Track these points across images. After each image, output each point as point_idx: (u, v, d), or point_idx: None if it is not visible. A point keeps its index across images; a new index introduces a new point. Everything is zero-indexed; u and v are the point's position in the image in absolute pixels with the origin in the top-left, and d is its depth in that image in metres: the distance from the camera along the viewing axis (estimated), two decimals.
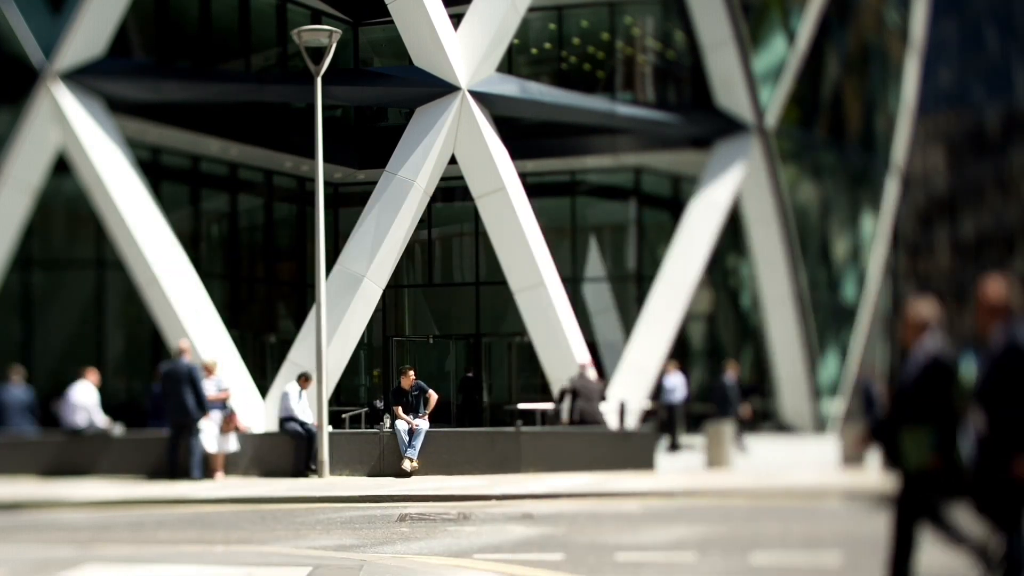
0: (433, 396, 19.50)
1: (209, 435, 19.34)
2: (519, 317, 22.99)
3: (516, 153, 23.18)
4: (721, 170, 26.53)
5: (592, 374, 21.69)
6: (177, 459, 19.13)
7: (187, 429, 19.14)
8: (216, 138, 24.33)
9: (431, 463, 19.11)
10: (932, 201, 72.45)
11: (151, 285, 21.91)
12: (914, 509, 7.84)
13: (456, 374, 25.81)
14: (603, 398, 21.58)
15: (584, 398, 21.07)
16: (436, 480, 18.43)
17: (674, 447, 23.96)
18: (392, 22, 22.20)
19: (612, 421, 22.62)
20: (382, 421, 19.78)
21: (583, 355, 22.62)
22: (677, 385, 24.58)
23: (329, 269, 20.81)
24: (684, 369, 25.68)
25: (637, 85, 28.54)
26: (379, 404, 22.86)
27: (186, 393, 19.10)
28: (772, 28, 29.35)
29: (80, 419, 19.73)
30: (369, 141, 25.19)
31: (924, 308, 8.11)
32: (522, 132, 24.69)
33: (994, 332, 7.38)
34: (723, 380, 24.69)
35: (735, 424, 22.65)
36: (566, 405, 21.22)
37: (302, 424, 19.54)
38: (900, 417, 8.19)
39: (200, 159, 25.21)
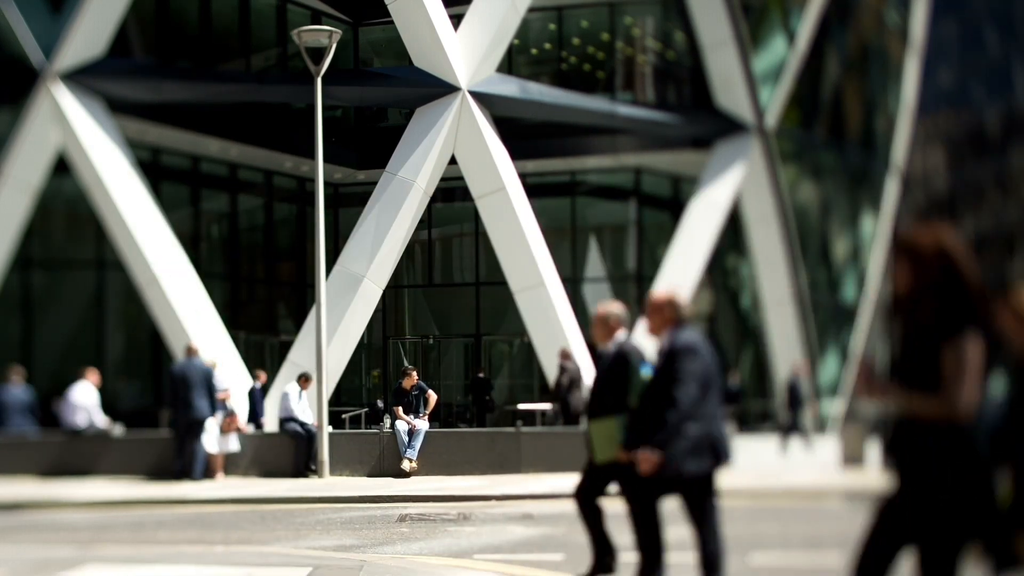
0: (432, 396, 19.50)
1: (210, 435, 19.33)
2: (519, 317, 22.98)
3: (516, 153, 23.18)
4: (721, 170, 26.52)
5: (574, 364, 21.65)
6: (184, 460, 19.10)
7: (196, 430, 19.09)
8: (216, 138, 24.33)
9: (431, 463, 19.10)
10: (932, 201, 72.44)
11: (151, 285, 21.91)
12: (642, 497, 8.04)
13: (454, 375, 25.81)
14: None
15: (577, 388, 21.06)
16: (436, 480, 18.42)
17: None
18: (392, 22, 22.21)
19: None
20: (382, 421, 19.78)
21: (565, 343, 22.50)
22: None
23: (329, 269, 20.81)
24: None
25: (637, 85, 28.54)
26: (380, 404, 22.88)
27: (200, 394, 19.05)
28: (772, 28, 29.34)
29: (80, 419, 19.73)
30: (369, 141, 25.19)
31: (614, 308, 9.05)
32: (522, 132, 24.69)
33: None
34: (794, 379, 24.79)
35: (794, 422, 22.85)
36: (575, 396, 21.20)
37: (302, 424, 19.53)
38: (590, 410, 8.97)
39: (200, 159, 25.22)
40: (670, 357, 7.77)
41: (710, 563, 8.02)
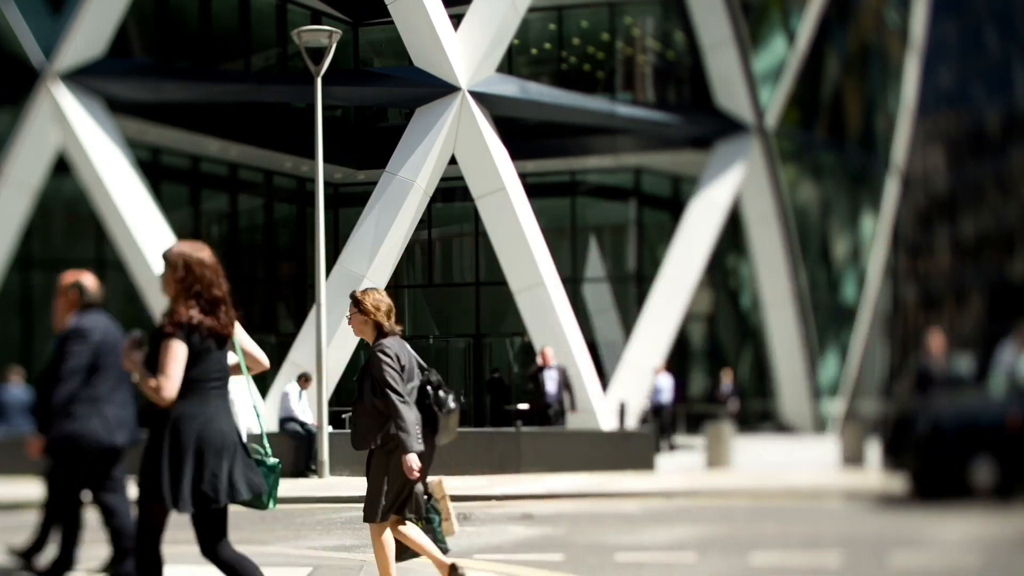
0: None
1: None
2: (519, 317, 22.98)
3: (516, 153, 23.17)
4: (721, 170, 26.52)
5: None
6: None
7: None
8: (216, 138, 24.33)
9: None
10: (932, 201, 72.42)
11: (151, 285, 21.91)
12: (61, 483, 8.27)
13: (454, 375, 25.78)
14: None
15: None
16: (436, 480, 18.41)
17: (668, 447, 23.94)
18: (392, 22, 22.20)
19: (612, 421, 22.66)
20: None
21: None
22: (665, 386, 24.65)
23: (329, 269, 20.82)
24: (672, 370, 25.66)
25: (637, 85, 28.55)
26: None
27: None
28: (772, 28, 29.35)
29: None
30: (369, 141, 25.18)
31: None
32: (522, 132, 24.68)
33: None
34: (927, 364, 24.34)
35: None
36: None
37: (302, 424, 19.54)
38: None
39: (200, 159, 25.21)
40: (63, 341, 8.09)
41: (118, 537, 8.18)
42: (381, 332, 7.92)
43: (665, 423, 24.27)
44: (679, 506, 15.60)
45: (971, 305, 68.35)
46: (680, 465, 20.81)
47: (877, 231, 34.56)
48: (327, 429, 19.13)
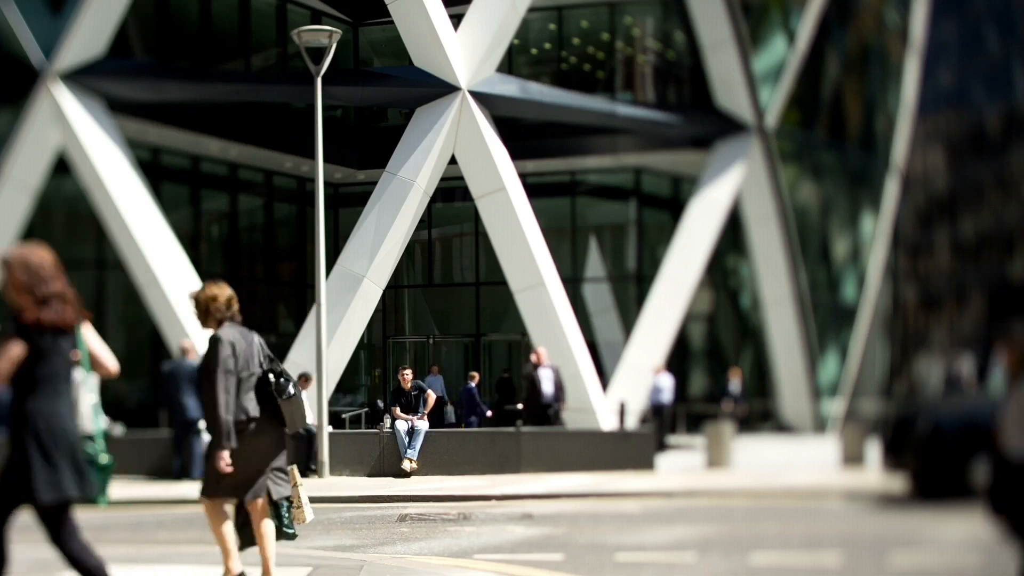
0: (432, 396, 19.53)
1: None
2: (519, 317, 22.98)
3: (516, 153, 23.17)
4: (721, 170, 26.52)
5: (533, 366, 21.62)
6: (183, 459, 19.14)
7: (189, 429, 19.15)
8: (216, 138, 24.32)
9: (431, 463, 19.11)
10: (932, 201, 72.42)
11: (151, 285, 21.91)
12: None
13: (454, 375, 25.77)
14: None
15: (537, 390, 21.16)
16: (436, 480, 18.44)
17: (662, 447, 23.94)
18: (392, 22, 22.20)
19: (612, 421, 22.65)
20: (382, 421, 19.80)
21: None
22: (666, 386, 24.64)
23: (329, 269, 20.82)
24: (672, 370, 25.67)
25: (637, 85, 28.54)
26: (380, 404, 22.89)
27: (189, 393, 19.13)
28: (772, 28, 29.35)
29: None
30: (369, 141, 25.18)
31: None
32: (522, 132, 24.68)
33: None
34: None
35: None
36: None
37: None
38: None
39: (200, 159, 25.21)
40: None
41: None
42: (222, 323, 8.36)
43: (664, 423, 24.28)
44: (679, 506, 15.60)
45: (971, 305, 68.34)
46: (680, 465, 20.81)
47: (877, 231, 34.56)
48: (327, 429, 19.14)
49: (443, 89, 22.09)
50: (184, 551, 11.49)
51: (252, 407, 8.33)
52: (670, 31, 28.28)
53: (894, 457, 15.17)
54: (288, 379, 8.50)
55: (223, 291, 8.46)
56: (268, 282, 27.06)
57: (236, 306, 8.49)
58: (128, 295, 23.13)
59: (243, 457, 8.22)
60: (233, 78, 24.66)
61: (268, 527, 8.49)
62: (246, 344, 8.38)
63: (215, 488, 8.39)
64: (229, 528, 8.50)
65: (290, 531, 8.66)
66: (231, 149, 24.81)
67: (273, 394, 8.38)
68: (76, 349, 6.61)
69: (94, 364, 6.75)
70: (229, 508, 8.67)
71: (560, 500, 16.22)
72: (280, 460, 8.50)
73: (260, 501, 8.43)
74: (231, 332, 8.35)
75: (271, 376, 8.44)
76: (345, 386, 23.24)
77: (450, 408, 22.78)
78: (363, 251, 21.69)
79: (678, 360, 27.00)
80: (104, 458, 6.91)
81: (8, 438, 6.38)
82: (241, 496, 8.41)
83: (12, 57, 21.83)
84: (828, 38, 30.99)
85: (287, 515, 8.64)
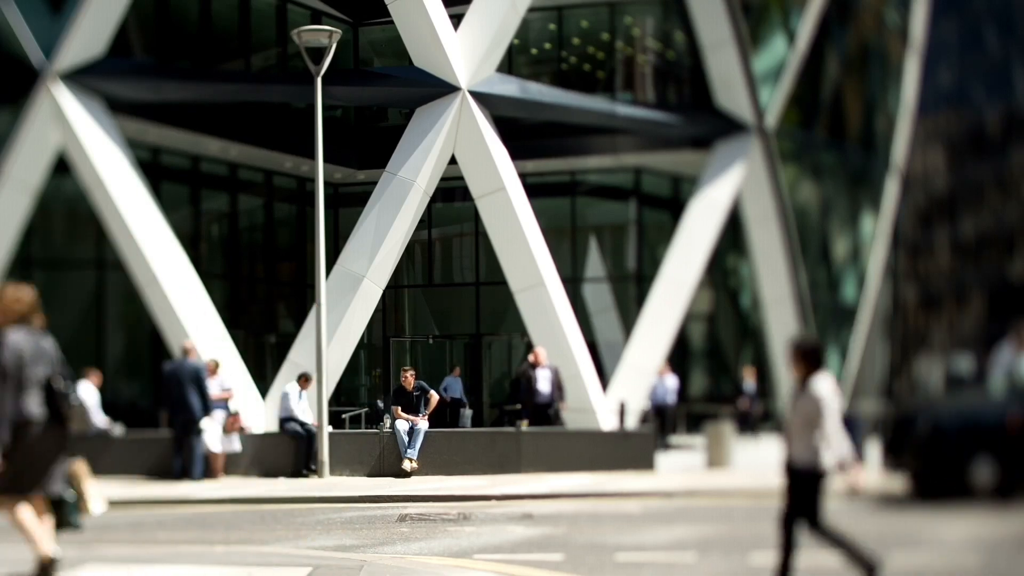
0: (434, 396, 19.54)
1: (212, 435, 19.36)
2: (519, 317, 22.99)
3: (516, 153, 23.17)
4: (721, 170, 26.51)
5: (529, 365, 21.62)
6: (183, 459, 19.15)
7: (190, 429, 19.15)
8: (216, 138, 24.32)
9: (431, 463, 19.11)
10: (932, 201, 72.41)
11: (151, 285, 21.91)
12: None
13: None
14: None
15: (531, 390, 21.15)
16: (436, 480, 18.44)
17: (665, 447, 23.95)
18: (392, 22, 22.21)
19: (612, 421, 22.65)
20: (382, 421, 19.81)
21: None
22: (671, 387, 24.62)
23: (329, 269, 20.83)
24: (672, 370, 25.66)
25: (637, 85, 28.53)
26: (380, 404, 22.90)
27: (191, 393, 19.13)
28: (772, 28, 29.33)
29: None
30: (369, 141, 25.19)
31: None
32: (522, 132, 24.67)
33: None
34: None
35: None
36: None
37: (302, 424, 19.55)
38: None
39: (200, 159, 25.21)
40: None
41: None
42: (15, 325, 8.74)
43: (667, 423, 24.28)
44: (679, 506, 15.61)
45: (971, 305, 68.34)
46: (680, 465, 20.81)
47: (877, 231, 34.56)
48: (327, 429, 19.14)
49: (443, 89, 22.09)
50: (184, 551, 11.49)
51: (36, 408, 8.70)
52: (670, 31, 28.27)
53: (894, 457, 15.17)
54: (68, 384, 8.94)
55: (27, 295, 8.85)
56: (268, 282, 27.06)
57: (37, 311, 8.86)
58: (128, 295, 23.13)
59: (24, 455, 8.66)
60: (233, 78, 24.66)
61: (46, 521, 9.01)
62: (34, 347, 8.71)
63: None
64: (30, 515, 8.84)
65: (76, 524, 9.76)
66: (231, 149, 24.81)
67: (54, 396, 8.78)
68: None
69: None
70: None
71: (560, 500, 16.23)
72: (62, 459, 9.03)
73: (39, 497, 8.90)
74: (20, 336, 8.66)
75: (50, 381, 8.80)
76: (345, 386, 23.26)
77: (468, 411, 22.77)
78: (363, 251, 21.70)
79: (678, 360, 27.00)
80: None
81: None
82: (21, 491, 8.79)
83: (12, 57, 21.83)
84: (828, 38, 30.98)
85: (74, 510, 9.79)
